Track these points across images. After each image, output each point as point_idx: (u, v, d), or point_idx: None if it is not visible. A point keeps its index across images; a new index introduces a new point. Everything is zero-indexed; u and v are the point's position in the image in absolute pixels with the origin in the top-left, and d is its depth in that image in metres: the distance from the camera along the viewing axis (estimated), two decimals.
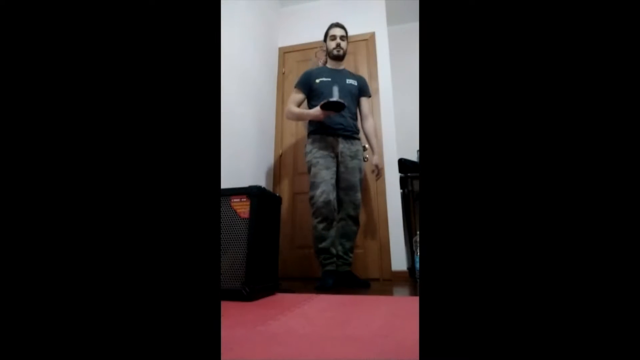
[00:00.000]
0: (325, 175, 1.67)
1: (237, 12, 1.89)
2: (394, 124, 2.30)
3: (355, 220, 1.73)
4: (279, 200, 1.46)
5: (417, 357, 0.48)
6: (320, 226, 1.63)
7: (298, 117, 1.80)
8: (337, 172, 1.75)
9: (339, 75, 1.85)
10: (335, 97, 1.68)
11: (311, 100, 1.81)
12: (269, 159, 2.37)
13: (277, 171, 2.40)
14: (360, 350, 0.53)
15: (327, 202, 1.62)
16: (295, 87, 1.86)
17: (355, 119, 1.86)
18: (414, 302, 1.04)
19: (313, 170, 1.70)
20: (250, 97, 2.01)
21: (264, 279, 1.23)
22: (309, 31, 2.64)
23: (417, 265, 1.79)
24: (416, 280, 1.85)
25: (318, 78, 1.81)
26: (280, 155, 2.43)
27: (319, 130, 1.76)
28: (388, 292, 1.39)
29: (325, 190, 1.64)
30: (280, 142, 2.45)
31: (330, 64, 1.90)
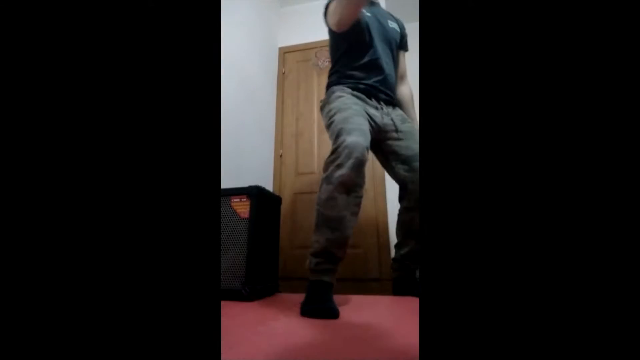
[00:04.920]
0: (362, 124, 1.02)
1: (237, 12, 1.89)
2: None
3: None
4: (279, 200, 1.46)
5: (417, 357, 0.48)
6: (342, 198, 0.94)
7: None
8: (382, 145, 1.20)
9: (379, 12, 1.30)
10: None
11: (338, 41, 1.22)
12: (269, 159, 2.37)
13: (277, 171, 2.40)
14: (360, 350, 0.53)
15: (362, 161, 0.94)
16: None
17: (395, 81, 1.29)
18: (414, 302, 1.04)
19: (341, 115, 1.04)
20: (250, 97, 2.01)
21: (264, 279, 1.23)
22: (309, 31, 2.64)
23: None
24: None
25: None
26: (280, 155, 2.42)
27: (351, 85, 1.16)
28: (388, 292, 1.39)
29: (362, 140, 0.96)
30: (280, 142, 2.45)
31: None
